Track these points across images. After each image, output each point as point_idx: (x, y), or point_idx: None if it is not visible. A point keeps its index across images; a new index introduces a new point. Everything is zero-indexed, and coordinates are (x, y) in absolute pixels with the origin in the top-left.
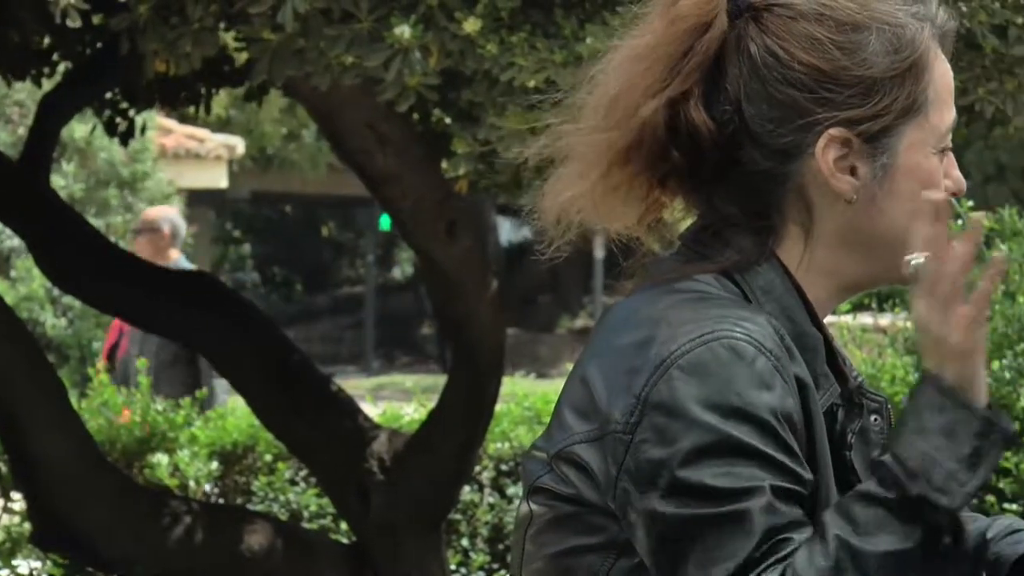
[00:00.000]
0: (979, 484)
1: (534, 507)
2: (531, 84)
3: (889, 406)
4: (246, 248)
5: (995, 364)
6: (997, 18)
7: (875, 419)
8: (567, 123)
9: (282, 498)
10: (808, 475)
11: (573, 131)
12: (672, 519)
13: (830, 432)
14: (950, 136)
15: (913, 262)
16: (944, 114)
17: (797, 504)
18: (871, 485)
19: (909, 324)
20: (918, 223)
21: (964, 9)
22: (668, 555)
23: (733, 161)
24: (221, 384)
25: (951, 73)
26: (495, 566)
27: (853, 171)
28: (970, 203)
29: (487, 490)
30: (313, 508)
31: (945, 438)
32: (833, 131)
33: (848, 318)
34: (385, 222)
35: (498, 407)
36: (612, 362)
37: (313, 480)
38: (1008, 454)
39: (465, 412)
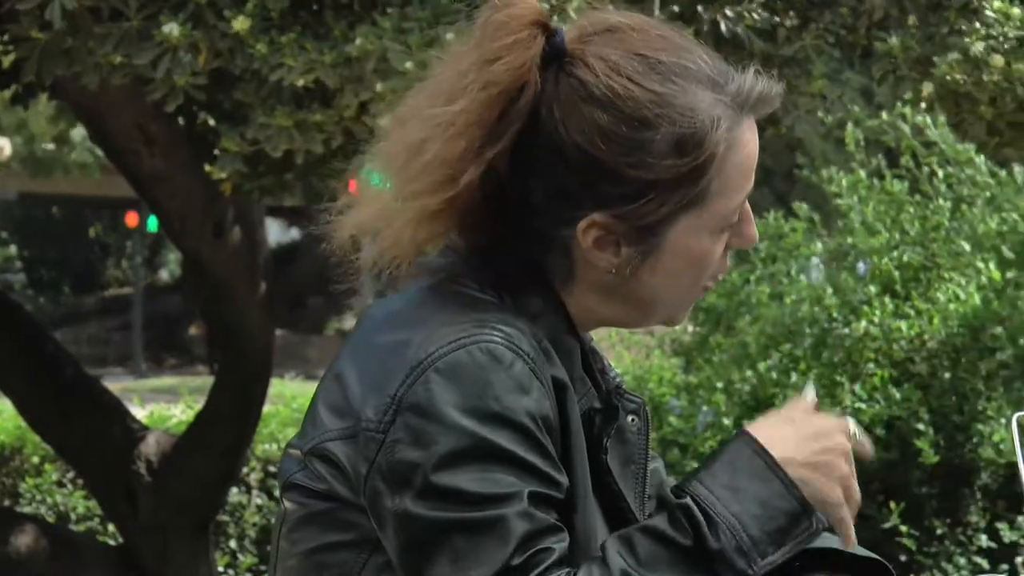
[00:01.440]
0: (780, 561)
1: (288, 504)
2: (300, 84)
3: (647, 407)
4: (12, 249)
5: (761, 365)
6: (763, 23)
7: (632, 419)
8: (368, 170)
9: (49, 500)
10: (564, 479)
11: (378, 195)
12: (424, 521)
13: (587, 436)
14: (736, 216)
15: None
16: (732, 200)
17: (554, 509)
18: (663, 523)
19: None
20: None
21: (730, 14)
22: (416, 556)
23: (514, 198)
24: None
25: (755, 151)
26: (263, 567)
27: (617, 248)
28: None
29: (255, 491)
30: (81, 510)
31: (760, 507)
32: (597, 217)
33: None
34: (152, 223)
35: (266, 408)
36: (368, 361)
37: (81, 482)
38: None
39: (233, 414)
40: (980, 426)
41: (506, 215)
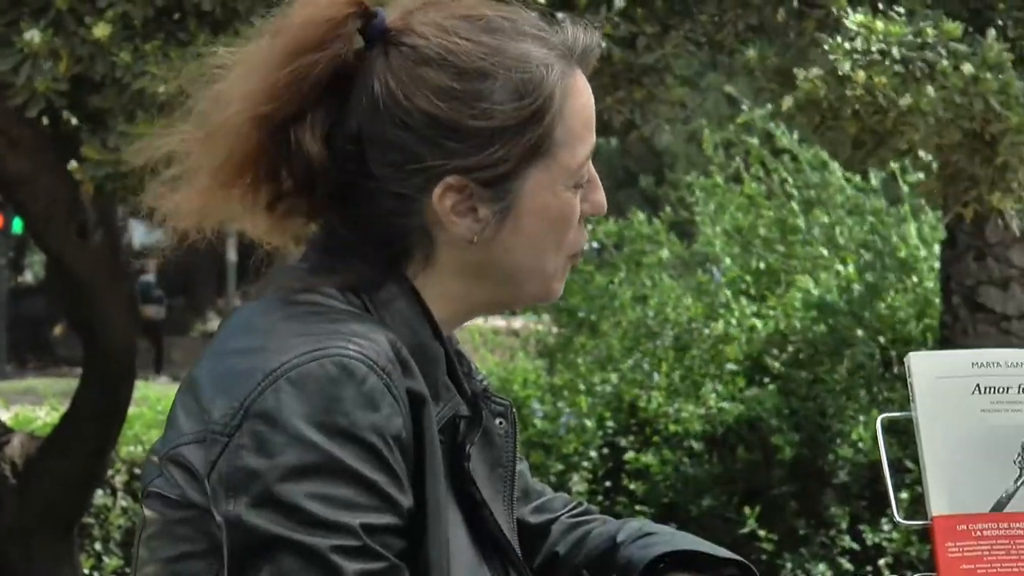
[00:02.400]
0: None
1: (147, 512)
2: (161, 91)
3: (514, 409)
4: None
5: (624, 366)
6: (622, 31)
7: (500, 422)
8: (190, 130)
9: None
10: (407, 501)
11: (193, 140)
12: (256, 531)
13: (450, 444)
14: (584, 171)
15: None
16: (577, 150)
17: (394, 535)
18: None
19: (540, 327)
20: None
21: (590, 17)
22: (241, 564)
23: (357, 189)
24: None
25: (592, 103)
26: (128, 570)
27: (475, 215)
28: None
29: (120, 494)
30: None
31: None
32: (450, 179)
33: (480, 321)
34: (17, 225)
35: (131, 410)
36: (222, 366)
37: None
38: (637, 455)
39: (97, 415)
40: (840, 426)
41: (359, 205)
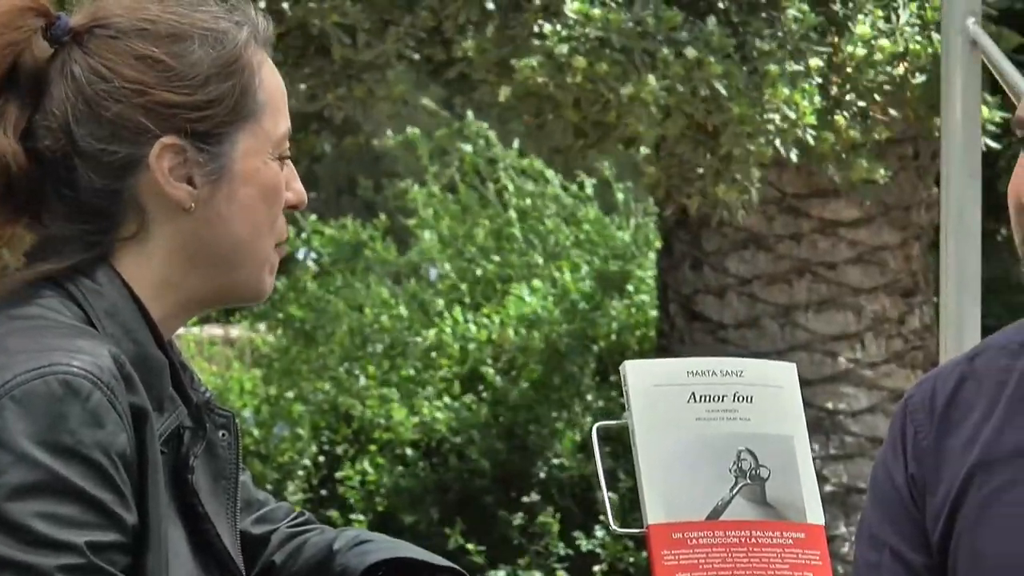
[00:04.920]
0: None
1: None
2: None
3: (236, 420)
4: None
5: (338, 373)
6: (350, 19)
7: (223, 434)
8: None
9: None
10: (132, 518)
11: None
12: None
13: (174, 456)
14: (287, 145)
15: None
16: (278, 120)
17: (120, 552)
18: None
19: (256, 337)
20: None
21: (313, 6)
22: None
23: (65, 183)
24: None
25: (281, 81)
26: None
27: (191, 180)
28: (314, 216)
29: None
30: None
31: None
32: (165, 139)
33: (196, 330)
34: None
35: None
36: None
37: None
38: (352, 464)
39: None
40: (554, 435)
41: (65, 195)
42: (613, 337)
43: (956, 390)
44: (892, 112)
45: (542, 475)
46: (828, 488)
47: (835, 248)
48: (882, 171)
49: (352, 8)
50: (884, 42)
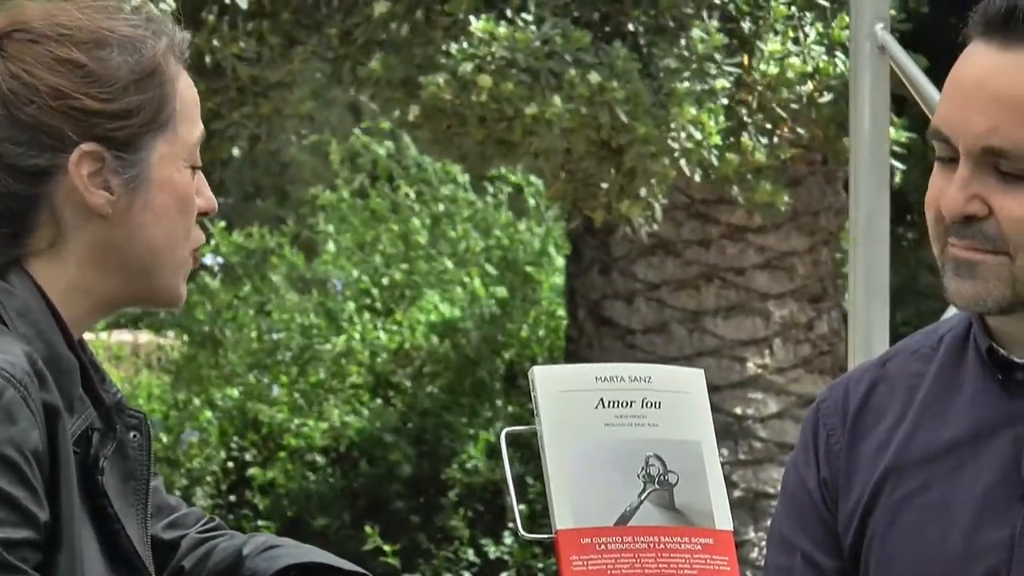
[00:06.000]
0: None
1: None
2: None
3: (148, 422)
4: None
5: (247, 379)
6: (249, 51)
7: (134, 435)
8: None
9: None
10: (44, 515)
11: None
12: None
13: (84, 457)
14: (198, 153)
15: None
16: (192, 129)
17: (32, 548)
18: None
19: (165, 342)
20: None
21: (216, 44)
22: None
23: None
24: None
25: (195, 90)
26: None
27: (108, 187)
28: (223, 223)
29: None
30: None
31: None
32: (85, 146)
33: (105, 335)
34: None
35: None
36: None
37: None
38: (261, 469)
39: None
40: (462, 441)
41: None
42: (522, 342)
43: (868, 394)
44: (800, 131)
45: (452, 481)
46: (737, 493)
47: (743, 254)
48: (785, 197)
49: (248, 41)
50: (794, 60)
